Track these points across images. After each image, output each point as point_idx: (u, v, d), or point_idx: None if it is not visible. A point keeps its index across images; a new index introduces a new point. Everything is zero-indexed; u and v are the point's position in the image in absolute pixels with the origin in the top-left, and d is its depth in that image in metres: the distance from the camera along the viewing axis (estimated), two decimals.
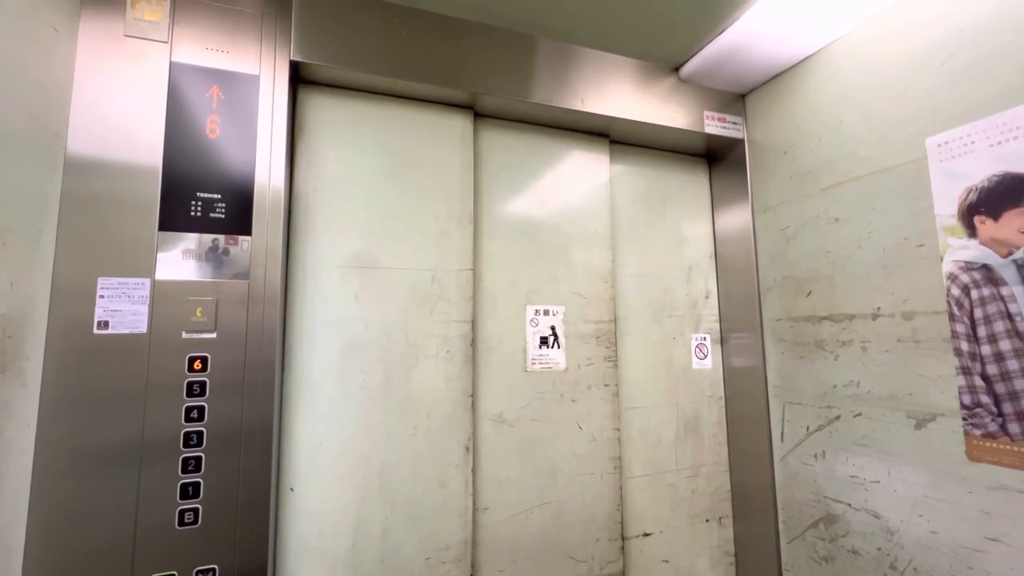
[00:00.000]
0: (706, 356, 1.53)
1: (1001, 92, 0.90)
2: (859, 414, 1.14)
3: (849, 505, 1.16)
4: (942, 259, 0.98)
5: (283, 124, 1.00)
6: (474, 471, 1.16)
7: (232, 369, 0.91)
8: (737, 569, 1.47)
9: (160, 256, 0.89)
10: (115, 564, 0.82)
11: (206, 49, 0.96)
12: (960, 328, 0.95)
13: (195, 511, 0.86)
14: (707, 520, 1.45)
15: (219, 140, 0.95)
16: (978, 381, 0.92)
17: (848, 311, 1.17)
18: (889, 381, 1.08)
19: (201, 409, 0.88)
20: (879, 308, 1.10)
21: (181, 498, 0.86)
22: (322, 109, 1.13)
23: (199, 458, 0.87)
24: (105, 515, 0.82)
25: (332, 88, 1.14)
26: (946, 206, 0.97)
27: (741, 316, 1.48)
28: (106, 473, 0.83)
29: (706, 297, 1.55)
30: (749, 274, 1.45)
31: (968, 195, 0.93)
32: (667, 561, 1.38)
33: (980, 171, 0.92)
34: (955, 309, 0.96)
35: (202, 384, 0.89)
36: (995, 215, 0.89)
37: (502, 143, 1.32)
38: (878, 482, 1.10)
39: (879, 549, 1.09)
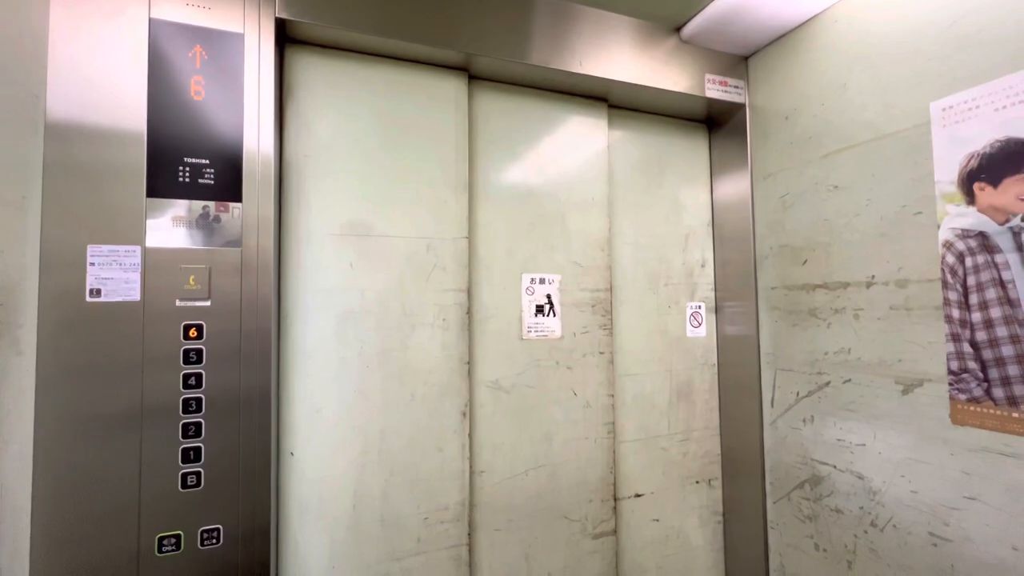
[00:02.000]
0: (700, 324, 1.54)
1: (1010, 55, 0.88)
2: (848, 380, 1.16)
3: (834, 467, 1.20)
4: (939, 227, 0.98)
5: (271, 86, 0.97)
6: (471, 436, 1.19)
7: (228, 337, 0.91)
8: (725, 527, 1.53)
9: (150, 223, 0.87)
10: (122, 525, 0.84)
11: (187, 5, 0.92)
12: (952, 296, 0.96)
13: (197, 474, 0.88)
14: (697, 482, 1.49)
15: (204, 103, 0.92)
16: (966, 348, 0.94)
17: (842, 279, 1.17)
18: (879, 348, 1.10)
19: (199, 376, 0.89)
20: (873, 276, 1.11)
21: (183, 462, 0.87)
22: (310, 70, 1.09)
23: (199, 424, 0.88)
24: (109, 479, 0.84)
25: (320, 48, 1.10)
26: (946, 173, 0.96)
27: (736, 284, 1.49)
28: (108, 439, 0.84)
29: (702, 266, 1.55)
30: (746, 243, 1.45)
31: (969, 161, 0.92)
32: (657, 520, 1.43)
33: (983, 136, 0.90)
34: (948, 277, 0.96)
35: (198, 352, 0.89)
36: (995, 182, 0.89)
37: (497, 107, 1.29)
38: (863, 445, 1.13)
39: (861, 508, 1.14)
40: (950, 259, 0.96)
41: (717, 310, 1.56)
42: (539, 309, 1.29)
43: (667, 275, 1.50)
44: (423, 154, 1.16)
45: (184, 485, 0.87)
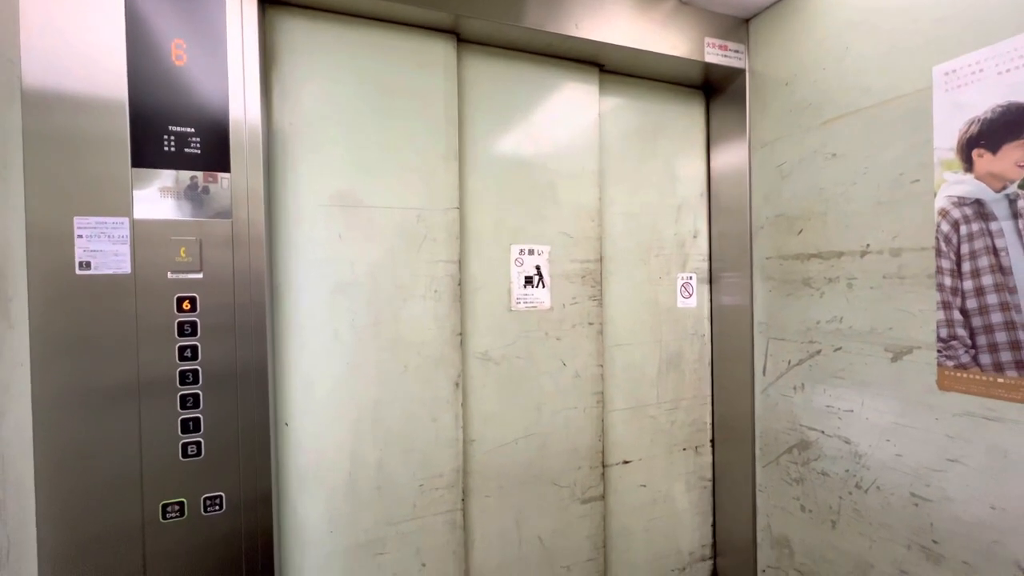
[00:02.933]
0: (691, 295, 1.54)
1: (1016, 15, 0.85)
2: (839, 348, 1.18)
3: (822, 432, 1.23)
4: (936, 194, 0.98)
5: (254, 50, 0.93)
6: (464, 406, 1.20)
7: (221, 309, 0.90)
8: (715, 490, 1.57)
9: (136, 194, 0.86)
10: (125, 494, 0.86)
11: None
12: (945, 264, 0.96)
13: (197, 444, 0.89)
14: (684, 449, 1.53)
15: (187, 68, 0.89)
16: (956, 315, 0.95)
17: (837, 248, 1.17)
18: (871, 317, 1.11)
19: (194, 348, 0.89)
20: (868, 245, 1.11)
21: (183, 432, 0.88)
22: (294, 33, 1.05)
23: (196, 395, 0.89)
24: (110, 450, 0.85)
25: (304, 9, 1.05)
26: (946, 139, 0.95)
27: (731, 255, 1.49)
28: (106, 410, 0.84)
29: (694, 236, 1.54)
30: (742, 213, 1.44)
31: (970, 127, 0.91)
32: (644, 485, 1.47)
33: (985, 101, 0.89)
34: (942, 245, 0.96)
35: (192, 324, 0.89)
36: (994, 148, 0.88)
37: (487, 72, 1.25)
38: (851, 411, 1.16)
39: (847, 471, 1.17)
40: (945, 227, 0.96)
41: (712, 280, 1.56)
42: (528, 280, 1.29)
43: (658, 246, 1.49)
44: (412, 122, 1.13)
45: (185, 455, 0.89)
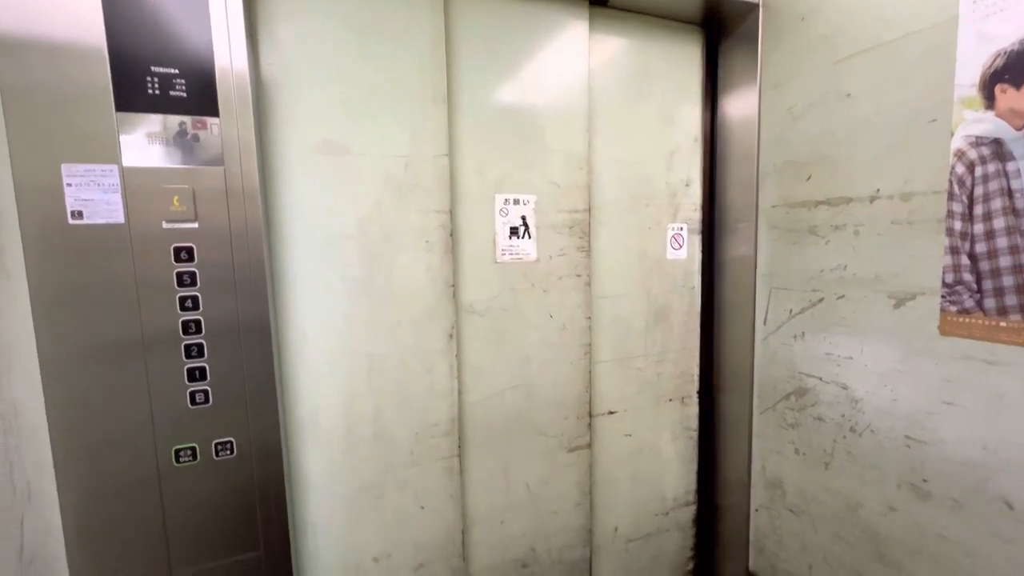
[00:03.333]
0: (681, 247, 1.50)
1: None
2: (842, 296, 1.18)
3: (820, 379, 1.24)
4: (952, 134, 0.94)
5: None
6: (457, 357, 1.20)
7: (219, 259, 0.90)
8: (700, 440, 1.61)
9: (123, 140, 0.83)
10: (138, 441, 0.88)
11: None
12: (956, 207, 0.94)
13: (204, 392, 0.91)
14: (671, 400, 1.53)
15: (165, 5, 0.83)
16: (964, 260, 0.93)
17: (846, 194, 1.15)
18: (876, 263, 1.09)
19: (195, 299, 0.89)
20: (878, 190, 1.08)
21: (189, 381, 0.90)
22: None
23: (200, 344, 0.90)
24: (119, 400, 0.87)
25: None
26: (968, 75, 0.90)
27: (735, 204, 1.45)
28: (112, 361, 0.85)
29: (687, 185, 1.48)
30: (748, 160, 1.39)
31: (995, 60, 0.86)
32: (630, 435, 1.49)
33: (1014, 32, 0.84)
34: (955, 188, 0.94)
35: (192, 274, 0.88)
36: (1018, 82, 0.83)
37: (475, 8, 1.16)
38: (851, 358, 1.16)
39: (842, 416, 1.19)
40: (960, 169, 0.93)
41: (714, 230, 1.54)
42: (513, 231, 1.25)
43: (649, 195, 1.44)
44: (397, 63, 1.07)
45: (193, 402, 0.90)
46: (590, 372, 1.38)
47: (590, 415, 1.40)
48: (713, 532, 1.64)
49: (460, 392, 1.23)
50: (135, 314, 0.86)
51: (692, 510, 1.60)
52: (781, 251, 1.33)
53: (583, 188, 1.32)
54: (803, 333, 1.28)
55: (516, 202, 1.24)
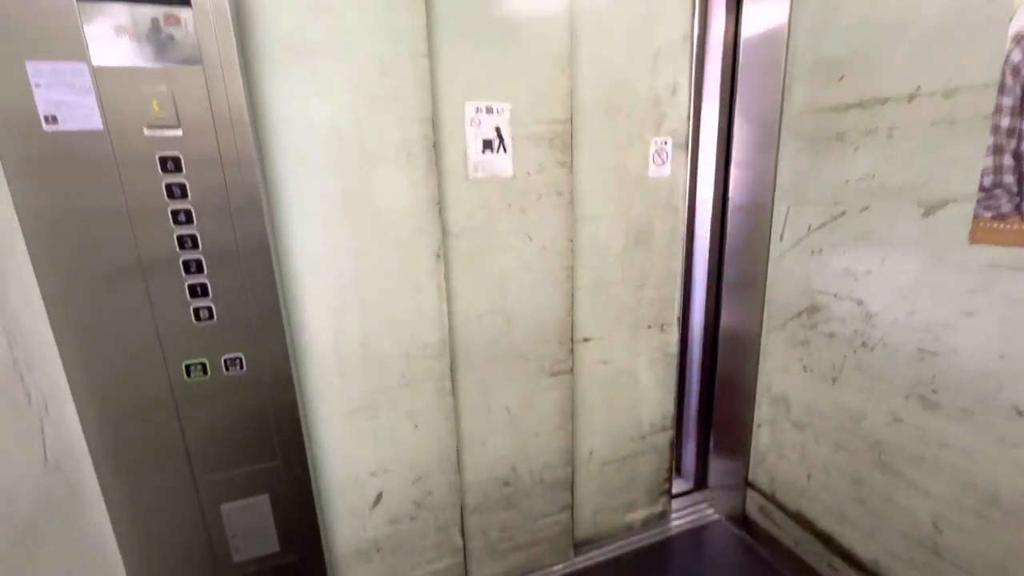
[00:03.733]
0: (665, 163, 1.35)
1: None
2: (866, 208, 1.12)
3: (835, 295, 1.21)
4: (1011, 18, 0.83)
5: None
6: (446, 278, 1.16)
7: (209, 168, 0.85)
8: (717, 355, 1.62)
9: (89, 33, 0.75)
10: (148, 358, 0.88)
11: None
12: (1007, 101, 0.85)
13: (208, 309, 0.90)
14: (649, 327, 1.47)
15: None
16: (1007, 160, 0.86)
17: (882, 94, 1.05)
18: (908, 170, 1.02)
19: (188, 212, 0.85)
20: (918, 87, 0.99)
21: (191, 297, 0.88)
22: None
23: (199, 260, 0.87)
24: (124, 320, 0.86)
25: None
26: None
27: (756, 112, 1.35)
28: (111, 278, 0.83)
29: (672, 92, 1.31)
30: (775, 64, 1.28)
31: None
32: (606, 362, 1.44)
33: None
34: (1009, 78, 0.85)
35: (181, 186, 0.84)
36: None
37: None
38: (869, 272, 1.13)
39: (854, 331, 1.18)
40: (1016, 56, 0.83)
41: (730, 144, 1.44)
42: (487, 144, 1.13)
43: (629, 103, 1.27)
44: None
45: (198, 319, 0.89)
46: (572, 297, 1.33)
47: (572, 340, 1.36)
48: (718, 447, 1.70)
49: (450, 314, 1.20)
50: (127, 229, 0.83)
51: (669, 435, 1.58)
52: (804, 163, 1.25)
53: (564, 95, 1.17)
54: (820, 249, 1.24)
55: (489, 111, 1.11)
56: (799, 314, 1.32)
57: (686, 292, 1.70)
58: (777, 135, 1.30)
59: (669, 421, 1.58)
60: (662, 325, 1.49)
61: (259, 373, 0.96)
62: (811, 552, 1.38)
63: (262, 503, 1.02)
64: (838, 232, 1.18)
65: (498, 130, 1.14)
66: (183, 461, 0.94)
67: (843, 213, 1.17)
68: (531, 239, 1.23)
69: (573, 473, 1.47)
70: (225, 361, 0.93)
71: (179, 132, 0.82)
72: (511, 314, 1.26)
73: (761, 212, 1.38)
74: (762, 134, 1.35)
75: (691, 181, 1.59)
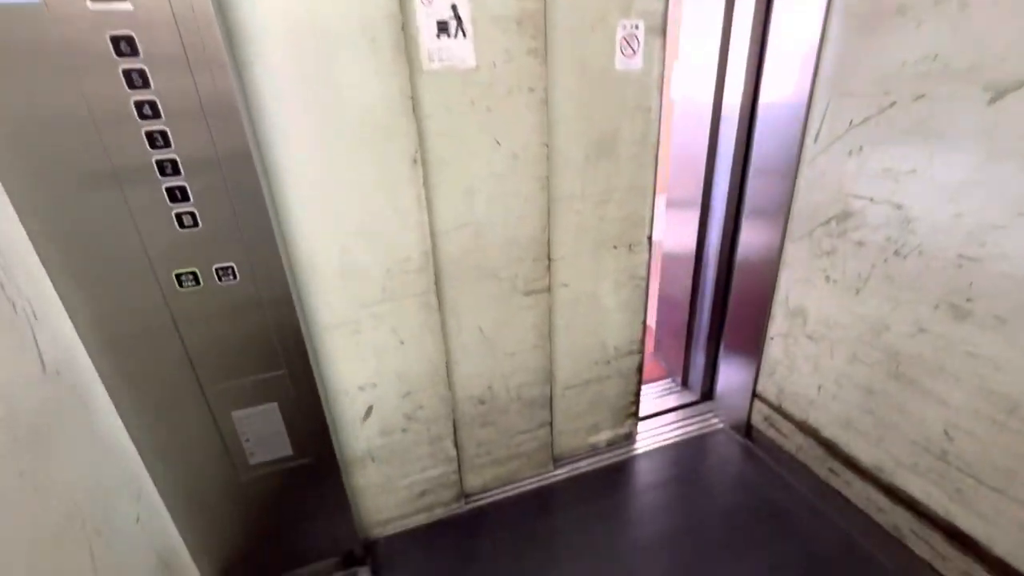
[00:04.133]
0: (635, 53, 1.14)
1: None
2: (921, 96, 0.98)
3: (871, 199, 1.11)
4: None
5: None
6: (425, 185, 1.05)
7: (170, 49, 0.74)
8: (734, 269, 1.56)
9: None
10: (137, 268, 0.84)
11: None
12: None
13: (191, 214, 0.84)
14: (615, 247, 1.34)
15: None
16: None
17: None
18: (979, 47, 0.88)
19: (153, 104, 0.76)
20: None
21: (171, 201, 0.82)
22: None
23: (173, 160, 0.80)
24: (105, 228, 0.80)
25: None
26: None
27: None
28: (86, 188, 0.77)
29: None
30: None
31: None
32: (566, 285, 1.34)
33: None
34: None
35: (141, 73, 0.74)
36: None
37: None
38: (914, 171, 1.02)
39: (888, 238, 1.09)
40: None
41: (768, 26, 1.26)
42: (442, 27, 0.96)
43: None
44: None
45: (181, 225, 0.84)
46: (548, 210, 1.20)
47: (548, 258, 1.25)
48: (728, 360, 1.69)
49: (432, 224, 1.10)
50: (87, 125, 0.74)
51: (636, 359, 1.53)
52: (853, 46, 1.08)
53: None
54: (861, 148, 1.11)
55: None
56: (827, 221, 1.23)
57: (704, 207, 1.60)
58: (824, 12, 1.12)
59: (636, 345, 1.51)
60: (630, 245, 1.36)
61: (253, 283, 0.92)
62: (812, 457, 1.41)
63: (272, 410, 1.03)
64: (884, 127, 1.05)
65: (455, 8, 0.95)
66: (187, 369, 0.94)
67: (892, 104, 1.03)
68: (499, 144, 1.09)
69: (552, 391, 1.44)
70: (217, 271, 0.89)
71: (129, 7, 0.71)
72: (481, 228, 1.16)
73: (795, 111, 1.24)
74: (802, 16, 1.17)
75: (719, 75, 1.42)
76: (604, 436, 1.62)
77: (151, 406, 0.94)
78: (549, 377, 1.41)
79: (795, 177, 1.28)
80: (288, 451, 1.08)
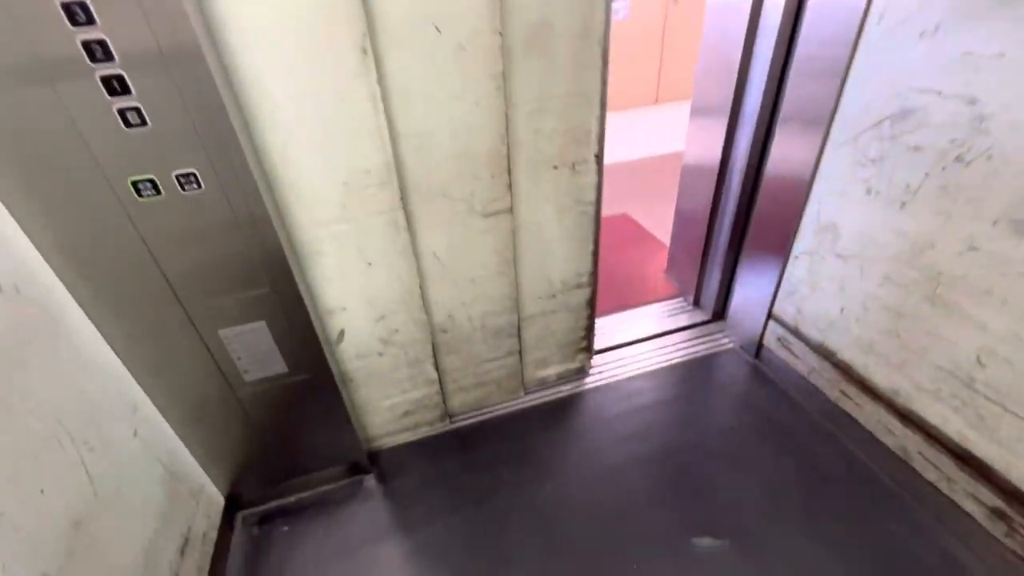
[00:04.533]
0: None
1: None
2: None
3: (939, 93, 0.94)
4: None
5: None
6: (380, 83, 0.89)
7: None
8: (759, 181, 1.41)
9: None
10: (88, 177, 0.75)
11: None
12: None
13: (136, 110, 0.72)
14: (555, 167, 1.15)
15: None
16: None
17: None
18: None
19: None
20: None
21: (110, 95, 0.70)
22: None
23: (102, 41, 0.67)
24: (45, 133, 0.71)
25: None
26: None
27: None
28: (11, 84, 0.66)
29: None
30: None
31: None
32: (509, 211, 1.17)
33: None
34: None
35: None
36: None
37: None
38: (1002, 55, 0.83)
39: (952, 141, 0.93)
40: None
41: None
42: None
43: None
44: None
45: (128, 124, 0.73)
46: (506, 115, 1.02)
47: (509, 172, 1.09)
48: (744, 279, 1.60)
49: (391, 129, 0.95)
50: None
51: (586, 292, 1.39)
52: None
53: None
54: (936, 27, 0.92)
55: None
56: (879, 123, 1.06)
57: (734, 114, 1.40)
58: None
59: (586, 278, 1.37)
60: (573, 165, 1.16)
61: (223, 193, 0.82)
62: (825, 380, 1.37)
63: (260, 329, 0.99)
64: None
65: None
66: (164, 287, 0.88)
67: None
68: (439, 31, 0.89)
69: (519, 319, 1.35)
70: (178, 178, 0.79)
71: None
72: (424, 140, 0.99)
73: None
74: None
75: None
76: (553, 371, 1.54)
77: (133, 325, 0.90)
78: (516, 305, 1.31)
79: (846, 72, 1.09)
80: (283, 368, 1.06)
